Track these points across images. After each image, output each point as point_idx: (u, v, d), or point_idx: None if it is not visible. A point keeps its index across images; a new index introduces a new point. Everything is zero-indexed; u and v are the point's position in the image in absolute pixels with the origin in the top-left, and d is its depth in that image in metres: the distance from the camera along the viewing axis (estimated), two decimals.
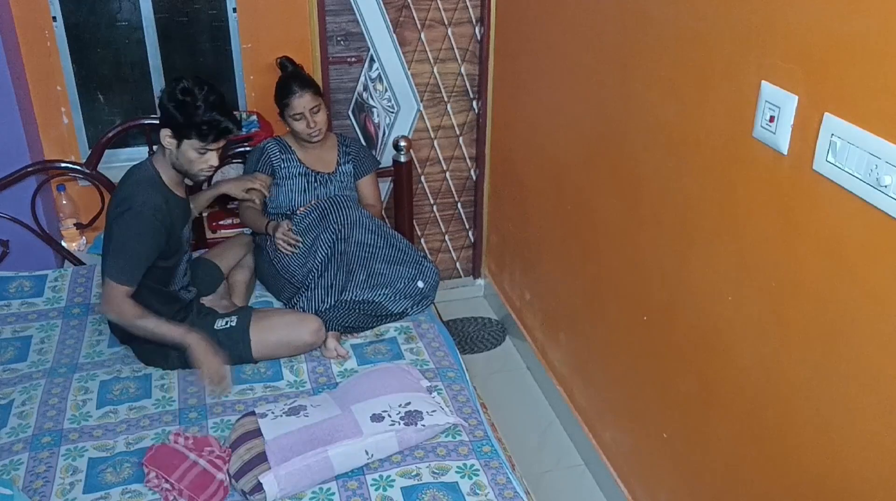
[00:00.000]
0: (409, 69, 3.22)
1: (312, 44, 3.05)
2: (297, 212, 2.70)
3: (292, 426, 1.98)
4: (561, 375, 2.89)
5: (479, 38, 3.23)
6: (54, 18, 2.81)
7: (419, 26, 3.16)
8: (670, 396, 2.11)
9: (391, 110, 3.29)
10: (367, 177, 2.88)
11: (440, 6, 3.14)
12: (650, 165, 2.09)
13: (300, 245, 2.57)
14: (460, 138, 3.42)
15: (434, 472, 1.95)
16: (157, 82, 2.99)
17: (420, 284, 2.62)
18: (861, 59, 1.35)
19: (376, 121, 3.29)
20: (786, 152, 1.55)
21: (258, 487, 1.85)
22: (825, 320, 1.50)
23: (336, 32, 3.09)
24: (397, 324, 2.56)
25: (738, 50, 1.68)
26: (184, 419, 2.13)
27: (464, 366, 2.47)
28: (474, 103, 3.36)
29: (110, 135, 2.82)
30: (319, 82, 3.01)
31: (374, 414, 2.02)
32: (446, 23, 3.18)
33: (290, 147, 2.76)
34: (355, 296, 2.52)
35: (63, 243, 2.99)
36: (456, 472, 1.95)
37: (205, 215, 3.05)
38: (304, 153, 2.77)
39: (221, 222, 3.04)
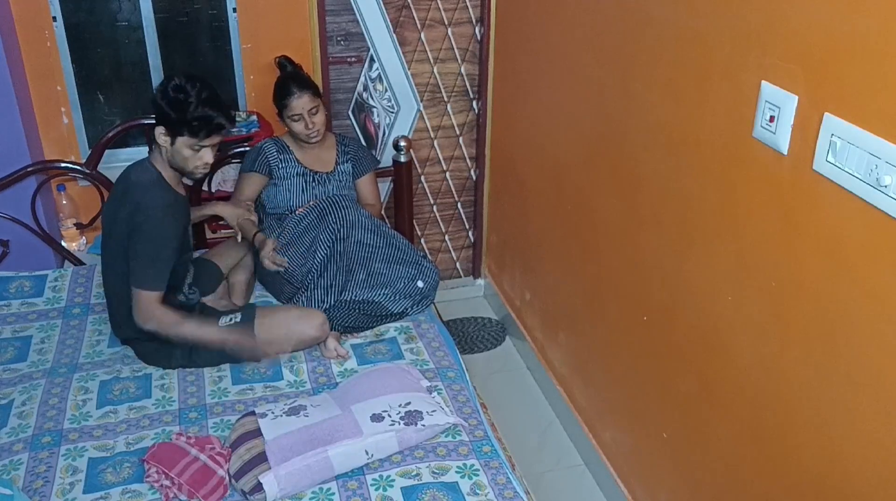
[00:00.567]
0: (409, 69, 3.22)
1: (312, 44, 3.05)
2: (296, 212, 2.70)
3: (292, 426, 1.98)
4: (561, 375, 2.89)
5: (479, 38, 3.23)
6: (54, 18, 2.81)
7: (419, 26, 3.16)
8: (670, 396, 2.11)
9: (391, 110, 3.29)
10: (366, 176, 2.88)
11: (440, 6, 3.14)
12: (650, 165, 2.09)
13: (286, 266, 2.58)
14: (460, 138, 3.42)
15: (434, 472, 1.95)
16: (157, 82, 2.98)
17: (420, 284, 2.62)
18: (861, 60, 1.35)
19: (376, 121, 3.30)
20: (786, 152, 1.55)
21: (258, 487, 1.85)
22: (825, 320, 1.50)
23: (336, 32, 3.09)
24: (397, 324, 2.56)
25: (738, 50, 1.68)
26: (184, 419, 2.13)
27: (464, 366, 2.47)
28: (474, 103, 3.36)
29: (110, 135, 2.82)
30: (319, 82, 3.02)
31: (374, 414, 2.02)
32: (446, 23, 3.18)
33: (288, 147, 2.76)
34: (355, 296, 2.52)
35: (63, 243, 2.99)
36: (456, 472, 1.95)
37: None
38: (303, 153, 2.77)
39: (221, 222, 3.04)
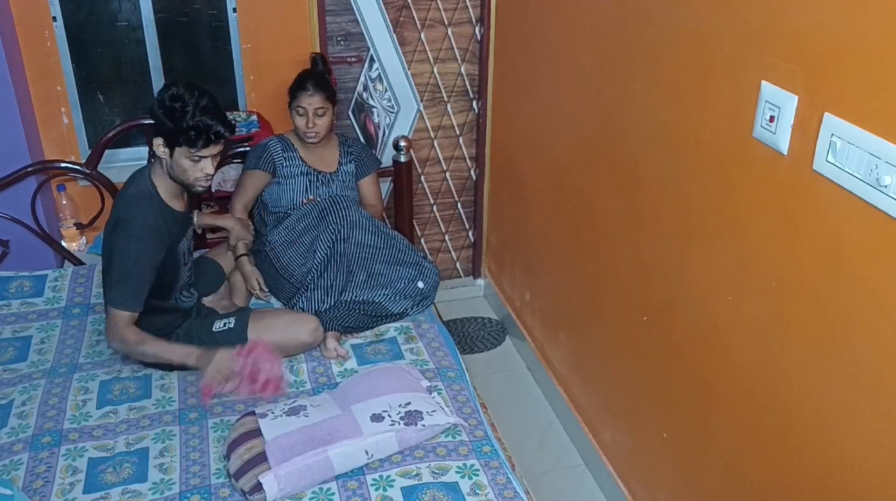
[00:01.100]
0: (409, 69, 3.22)
1: (312, 44, 3.05)
2: (303, 203, 2.70)
3: (292, 426, 1.98)
4: (561, 375, 2.89)
5: (479, 38, 3.23)
6: (54, 18, 2.81)
7: (419, 26, 3.16)
8: (670, 396, 2.11)
9: (391, 110, 3.29)
10: (368, 177, 2.88)
11: (440, 6, 3.14)
12: (650, 165, 2.09)
13: (268, 297, 2.64)
14: (460, 138, 3.42)
15: (434, 472, 1.95)
16: (157, 82, 2.99)
17: (420, 284, 2.62)
18: (861, 60, 1.35)
19: (376, 121, 3.30)
20: (786, 152, 1.55)
21: (258, 487, 1.85)
22: (825, 320, 1.50)
23: (336, 32, 3.09)
24: (397, 324, 2.56)
25: (738, 50, 1.68)
26: (184, 420, 2.13)
27: (464, 366, 2.47)
28: (474, 103, 3.36)
29: (110, 135, 2.82)
30: None
31: (374, 414, 2.02)
32: (446, 23, 3.18)
33: (292, 145, 2.76)
34: (355, 296, 2.52)
35: (63, 243, 2.99)
36: (456, 472, 1.95)
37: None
38: (307, 152, 2.77)
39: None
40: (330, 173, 2.79)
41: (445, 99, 3.32)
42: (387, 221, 3.26)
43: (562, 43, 2.59)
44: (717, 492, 1.95)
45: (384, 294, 2.56)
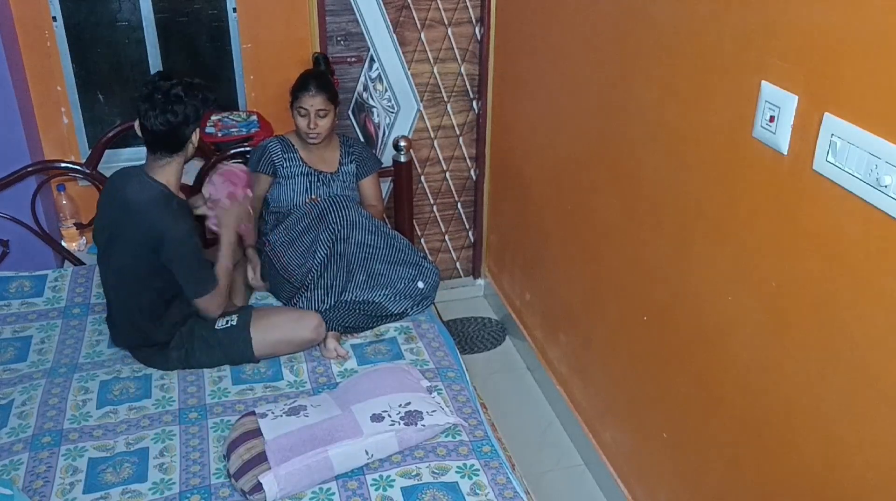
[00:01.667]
0: (409, 69, 3.22)
1: (312, 44, 3.05)
2: (307, 202, 2.70)
3: (292, 426, 1.98)
4: (561, 375, 2.89)
5: (479, 38, 3.23)
6: (54, 18, 2.81)
7: (419, 26, 3.16)
8: (670, 396, 2.11)
9: (391, 110, 3.29)
10: (369, 177, 2.88)
11: (440, 6, 3.14)
12: (650, 165, 2.09)
13: (262, 287, 2.64)
14: (460, 138, 3.42)
15: (434, 472, 1.95)
16: None
17: (420, 284, 2.62)
18: (861, 60, 1.35)
19: (376, 121, 3.30)
20: (786, 152, 1.55)
21: (258, 487, 1.85)
22: (825, 320, 1.50)
23: (336, 32, 3.09)
24: (397, 324, 2.56)
25: (738, 50, 1.68)
26: (184, 419, 2.13)
27: (464, 366, 2.47)
28: (474, 103, 3.36)
29: (110, 135, 2.82)
30: None
31: (374, 414, 2.02)
32: (446, 23, 3.18)
33: (293, 146, 2.76)
34: (355, 296, 2.52)
35: (63, 243, 2.99)
36: (456, 472, 1.95)
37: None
38: (307, 153, 2.77)
39: None
40: (330, 173, 2.79)
41: (445, 99, 3.32)
42: (387, 221, 3.26)
43: (562, 43, 2.59)
44: (717, 492, 1.95)
45: (384, 294, 2.56)
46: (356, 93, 3.21)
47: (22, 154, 2.78)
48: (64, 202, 2.97)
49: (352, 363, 2.39)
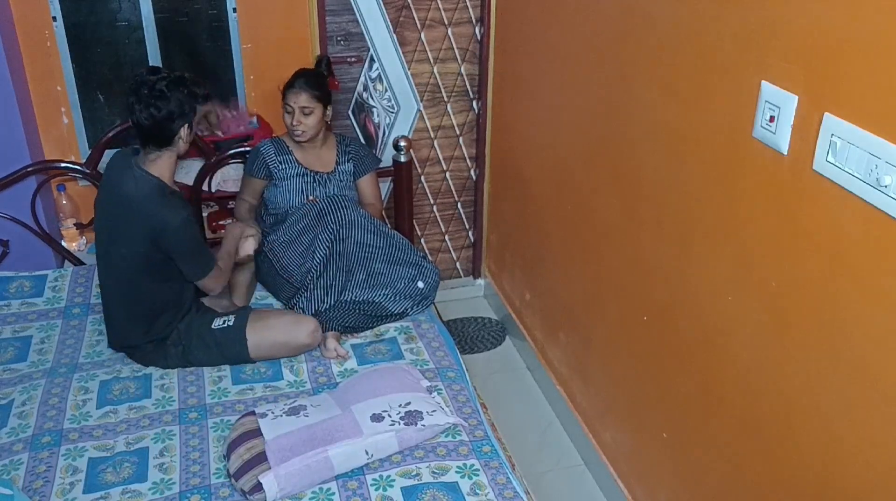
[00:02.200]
0: (409, 69, 3.22)
1: (312, 44, 3.05)
2: (307, 202, 2.70)
3: (292, 426, 1.98)
4: (561, 375, 2.89)
5: (479, 38, 3.23)
6: (54, 18, 2.81)
7: (419, 26, 3.16)
8: (670, 396, 2.11)
9: (391, 110, 3.29)
10: (367, 176, 2.88)
11: (440, 6, 3.14)
12: (650, 165, 2.09)
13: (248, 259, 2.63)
14: (460, 138, 3.42)
15: (434, 472, 1.95)
16: None
17: (420, 284, 2.62)
18: (861, 59, 1.35)
19: (376, 121, 3.30)
20: (786, 152, 1.55)
21: (258, 487, 1.85)
22: (825, 320, 1.50)
23: (336, 32, 3.09)
24: (397, 324, 2.56)
25: (738, 50, 1.68)
26: (184, 419, 2.13)
27: (464, 366, 2.47)
28: (474, 103, 3.36)
29: (110, 135, 2.82)
30: None
31: (374, 414, 2.02)
32: (446, 23, 3.18)
33: (287, 147, 2.76)
34: (355, 296, 2.52)
35: (63, 243, 2.99)
36: (456, 472, 1.95)
37: (205, 215, 3.06)
38: (303, 153, 2.77)
39: (222, 222, 3.04)
40: (327, 173, 2.79)
41: (445, 99, 3.32)
42: (387, 220, 3.26)
43: (562, 43, 2.59)
44: (717, 492, 1.95)
45: (384, 294, 2.56)
46: (356, 93, 3.21)
47: (22, 154, 2.78)
48: (64, 202, 2.97)
49: (352, 363, 2.39)
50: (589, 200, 2.49)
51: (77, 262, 2.94)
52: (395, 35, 3.15)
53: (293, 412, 2.04)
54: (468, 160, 3.47)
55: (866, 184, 1.35)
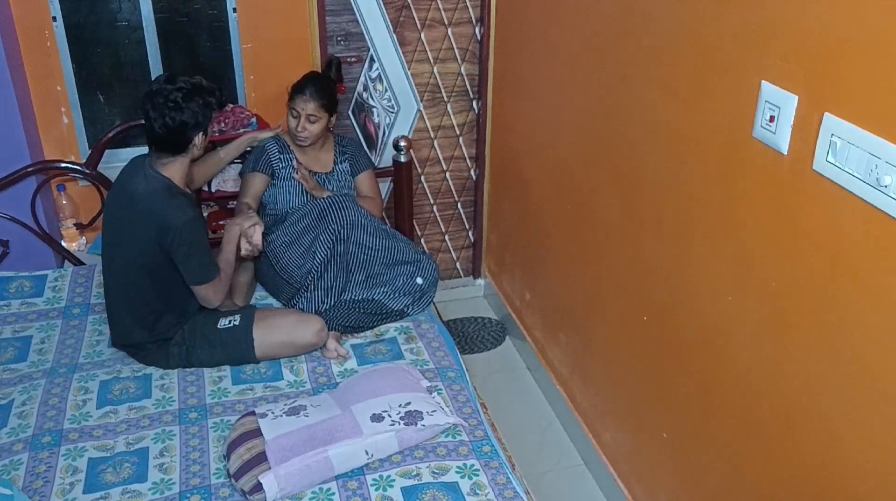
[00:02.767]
0: (409, 69, 3.22)
1: (312, 44, 3.05)
2: (306, 202, 2.70)
3: (292, 426, 1.98)
4: (561, 375, 2.89)
5: (479, 38, 3.23)
6: (54, 18, 2.81)
7: (419, 26, 3.16)
8: (670, 396, 2.11)
9: (391, 110, 3.29)
10: (364, 173, 2.87)
11: (440, 6, 3.14)
12: (650, 165, 2.09)
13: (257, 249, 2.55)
14: (460, 138, 3.42)
15: (434, 472, 1.95)
16: None
17: (419, 280, 2.62)
18: (861, 59, 1.35)
19: (376, 121, 3.29)
20: (786, 152, 1.55)
21: (258, 487, 1.85)
22: (825, 320, 1.50)
23: (336, 32, 3.09)
24: (397, 324, 2.56)
25: (738, 50, 1.68)
26: (184, 419, 2.13)
27: (464, 366, 2.47)
28: (474, 103, 3.36)
29: (110, 135, 2.82)
30: None
31: (374, 414, 2.02)
32: (446, 23, 3.18)
33: (288, 147, 2.76)
34: (355, 296, 2.52)
35: (63, 243, 2.99)
36: (456, 472, 1.95)
37: (205, 215, 3.06)
38: (302, 153, 2.77)
39: (222, 222, 3.04)
40: (325, 174, 2.79)
41: (445, 99, 3.32)
42: (387, 220, 3.26)
43: (562, 43, 2.59)
44: (717, 492, 1.95)
45: (383, 292, 2.56)
46: (356, 93, 3.21)
47: (22, 154, 2.78)
48: (64, 202, 2.97)
49: (352, 363, 2.39)
50: (589, 200, 2.49)
51: (77, 262, 2.94)
52: (395, 35, 3.15)
53: (293, 412, 2.04)
54: (468, 160, 3.47)
55: (866, 184, 1.35)
